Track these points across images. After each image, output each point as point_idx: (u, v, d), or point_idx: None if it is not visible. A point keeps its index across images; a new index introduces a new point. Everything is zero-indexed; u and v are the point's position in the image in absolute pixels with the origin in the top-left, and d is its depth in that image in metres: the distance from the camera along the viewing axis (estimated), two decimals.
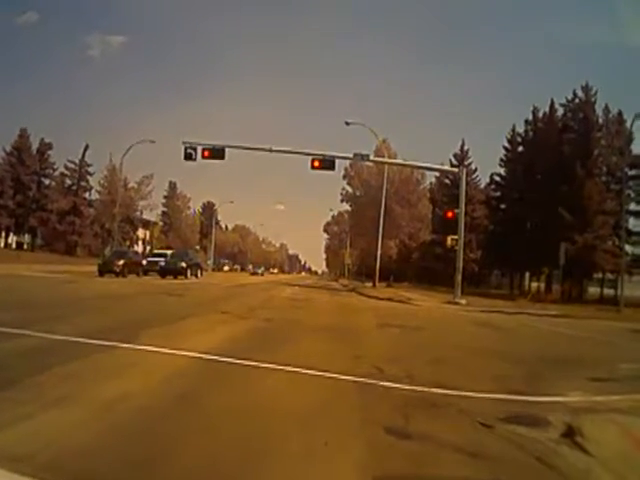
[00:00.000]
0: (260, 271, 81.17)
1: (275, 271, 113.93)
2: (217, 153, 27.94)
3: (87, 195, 69.09)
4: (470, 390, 5.54)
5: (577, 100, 44.15)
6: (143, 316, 10.54)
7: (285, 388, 5.24)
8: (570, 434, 4.20)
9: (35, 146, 66.01)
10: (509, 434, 4.07)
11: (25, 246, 66.99)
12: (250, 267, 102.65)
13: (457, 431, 4.06)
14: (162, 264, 34.80)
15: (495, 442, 3.88)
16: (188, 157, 27.71)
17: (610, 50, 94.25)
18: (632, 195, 41.46)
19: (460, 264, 26.67)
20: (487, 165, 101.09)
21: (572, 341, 12.92)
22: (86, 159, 69.00)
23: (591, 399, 5.59)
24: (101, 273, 29.29)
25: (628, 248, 36.90)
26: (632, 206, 41.82)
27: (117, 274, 29.53)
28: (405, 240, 52.07)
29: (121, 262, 30.39)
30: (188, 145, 27.87)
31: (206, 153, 27.78)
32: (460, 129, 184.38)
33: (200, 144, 28.08)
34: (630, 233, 38.61)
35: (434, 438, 3.80)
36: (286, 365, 6.13)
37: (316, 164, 27.51)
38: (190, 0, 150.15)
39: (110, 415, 3.83)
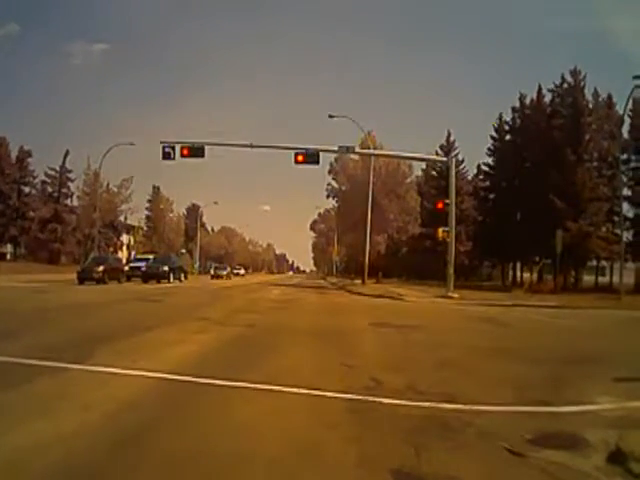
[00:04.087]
0: (225, 273, 64.13)
1: (242, 272, 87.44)
2: (196, 151, 27.31)
3: (69, 202, 67.75)
4: (486, 402, 4.81)
5: (565, 85, 43.46)
6: (108, 327, 9.61)
7: (264, 418, 4.22)
8: (619, 459, 3.44)
9: (14, 154, 64.51)
10: (546, 464, 3.30)
11: (8, 256, 65.56)
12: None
13: (483, 466, 3.27)
14: (144, 269, 33.90)
15: (532, 479, 3.14)
16: (166, 156, 27.07)
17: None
18: (625, 180, 40.83)
19: (452, 257, 26.00)
20: (473, 157, 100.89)
21: (581, 334, 12.28)
22: (67, 166, 67.53)
23: (624, 405, 4.97)
24: (81, 281, 28.41)
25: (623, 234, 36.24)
26: (624, 191, 41.13)
27: (97, 281, 28.63)
28: (393, 235, 51.43)
29: (101, 268, 29.40)
30: (166, 144, 27.14)
31: (185, 151, 27.12)
32: (445, 121, 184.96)
33: (179, 142, 27.33)
34: (625, 219, 37.97)
35: None
36: (267, 384, 5.26)
37: (300, 158, 26.82)
38: (171, 6, 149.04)
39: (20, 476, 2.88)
